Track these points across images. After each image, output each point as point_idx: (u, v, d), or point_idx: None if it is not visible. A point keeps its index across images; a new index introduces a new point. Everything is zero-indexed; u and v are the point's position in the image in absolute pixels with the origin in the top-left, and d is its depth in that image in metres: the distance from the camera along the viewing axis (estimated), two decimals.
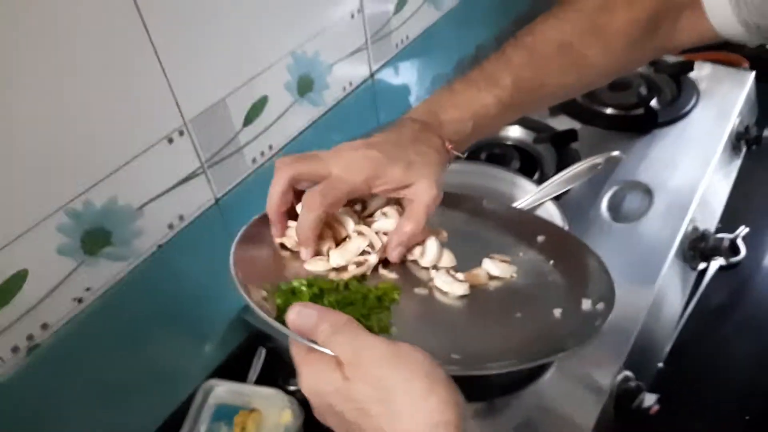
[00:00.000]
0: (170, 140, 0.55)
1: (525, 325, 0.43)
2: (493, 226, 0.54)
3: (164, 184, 0.56)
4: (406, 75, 0.87)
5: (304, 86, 0.68)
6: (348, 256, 0.45)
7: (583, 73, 0.56)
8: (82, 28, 0.46)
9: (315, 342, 0.36)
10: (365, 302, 0.41)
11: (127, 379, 0.59)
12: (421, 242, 0.48)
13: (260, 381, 0.69)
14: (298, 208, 0.46)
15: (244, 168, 0.64)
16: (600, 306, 0.43)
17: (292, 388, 0.69)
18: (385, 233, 0.47)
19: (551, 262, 0.49)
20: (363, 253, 0.46)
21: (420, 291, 0.46)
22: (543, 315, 0.44)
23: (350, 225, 0.47)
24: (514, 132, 0.90)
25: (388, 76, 0.82)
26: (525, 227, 0.53)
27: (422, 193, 0.47)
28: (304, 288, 0.41)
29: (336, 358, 0.35)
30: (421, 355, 0.35)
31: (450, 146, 0.51)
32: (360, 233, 0.47)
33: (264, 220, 0.47)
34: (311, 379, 0.36)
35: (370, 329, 0.38)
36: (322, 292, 0.41)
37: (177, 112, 0.55)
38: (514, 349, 0.40)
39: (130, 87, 0.51)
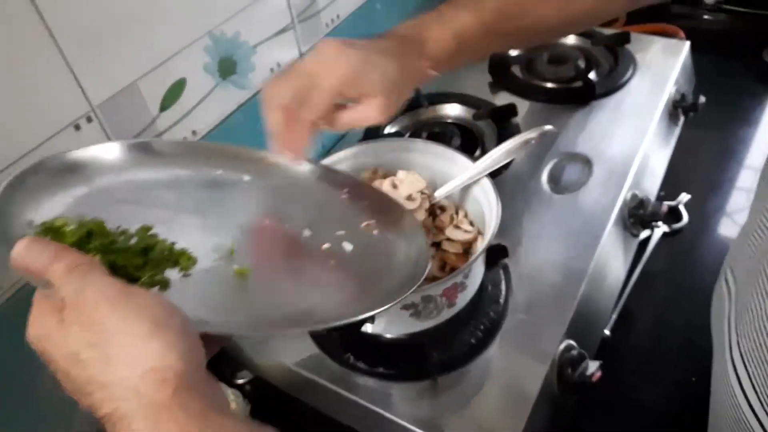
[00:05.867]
0: (77, 127, 0.52)
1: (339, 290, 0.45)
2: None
3: None
4: None
5: (226, 68, 0.65)
6: None
7: (562, 8, 0.57)
8: None
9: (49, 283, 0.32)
10: (148, 252, 0.37)
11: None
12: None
13: None
14: None
15: None
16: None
17: (238, 381, 0.67)
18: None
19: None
20: None
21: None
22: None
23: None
24: (454, 110, 0.89)
25: None
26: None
27: (376, 109, 0.47)
28: (69, 227, 0.35)
29: (62, 301, 0.32)
30: (155, 300, 0.32)
31: (428, 64, 0.51)
32: None
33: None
34: (32, 323, 0.32)
35: (137, 280, 0.35)
36: (91, 234, 0.35)
37: (82, 96, 0.52)
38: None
39: (26, 72, 0.47)
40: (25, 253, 0.32)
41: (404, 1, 0.96)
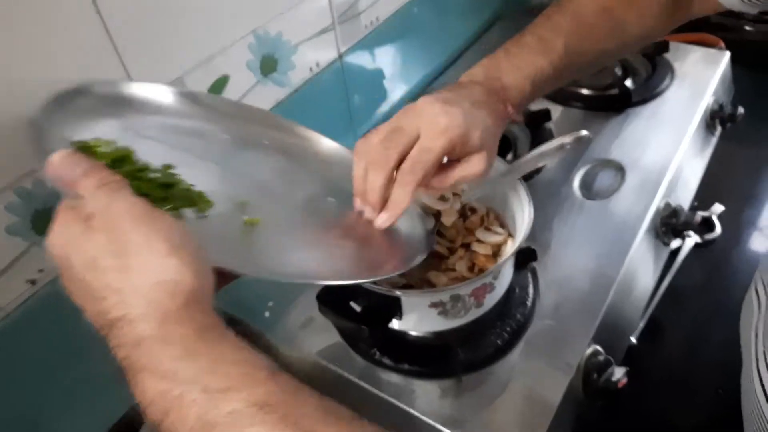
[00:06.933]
0: None
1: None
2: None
3: None
4: (379, 58, 0.87)
5: (268, 66, 0.67)
6: None
7: (620, 39, 0.59)
8: None
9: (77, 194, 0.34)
10: (169, 188, 0.38)
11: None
12: None
13: None
14: None
15: None
16: None
17: None
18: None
19: None
20: None
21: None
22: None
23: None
24: None
25: (358, 58, 0.81)
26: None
27: (478, 164, 0.50)
28: (102, 149, 0.36)
29: (88, 213, 0.33)
30: (177, 224, 0.34)
31: (511, 110, 0.53)
32: None
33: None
34: (56, 229, 0.34)
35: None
36: (120, 160, 0.37)
37: None
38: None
39: (80, 67, 0.50)
40: (61, 163, 0.34)
41: (441, 4, 0.97)
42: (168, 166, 0.40)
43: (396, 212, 0.49)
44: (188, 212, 0.40)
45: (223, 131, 0.52)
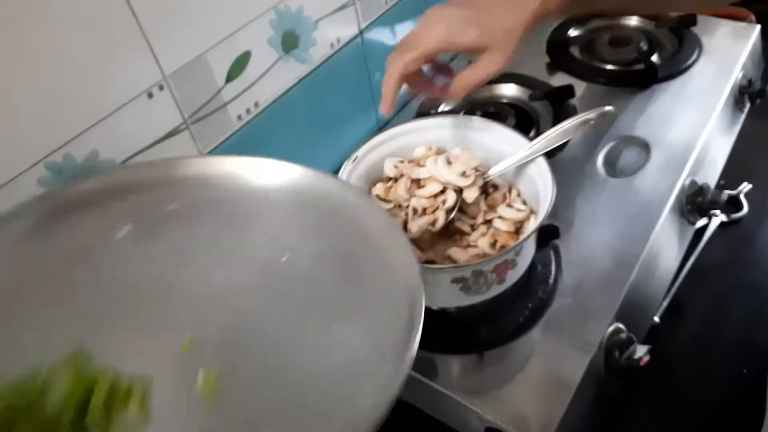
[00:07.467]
0: (150, 95, 0.55)
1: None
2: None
3: (146, 139, 0.56)
4: (399, 34, 0.86)
5: (289, 42, 0.67)
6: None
7: None
8: None
9: None
10: (88, 400, 0.28)
11: None
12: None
13: None
14: None
15: (229, 125, 0.63)
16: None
17: None
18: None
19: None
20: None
21: None
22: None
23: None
24: (510, 90, 0.88)
25: (379, 34, 0.81)
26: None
27: (488, 63, 0.54)
28: None
29: None
30: None
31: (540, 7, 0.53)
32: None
33: None
34: None
35: None
36: (15, 414, 0.27)
37: (156, 66, 0.54)
38: None
39: (104, 41, 0.50)
40: None
41: None
42: (77, 356, 0.28)
43: (383, 99, 0.57)
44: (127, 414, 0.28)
45: (104, 239, 0.35)
